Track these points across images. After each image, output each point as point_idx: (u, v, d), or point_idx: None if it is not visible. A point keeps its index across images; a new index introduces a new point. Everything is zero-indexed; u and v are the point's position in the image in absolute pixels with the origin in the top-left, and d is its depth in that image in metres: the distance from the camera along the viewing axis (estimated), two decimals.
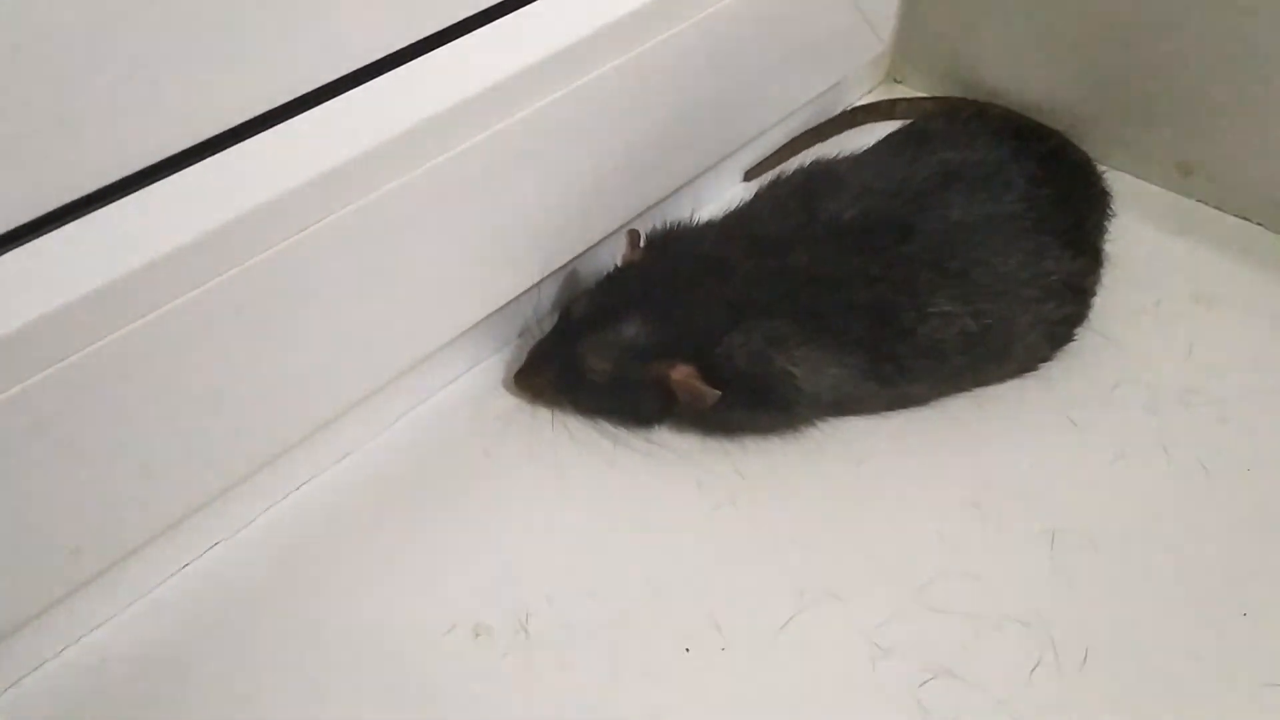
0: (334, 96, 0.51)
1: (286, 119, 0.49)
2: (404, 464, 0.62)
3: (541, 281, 0.65)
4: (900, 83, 0.89)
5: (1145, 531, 0.57)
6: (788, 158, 0.80)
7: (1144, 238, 0.73)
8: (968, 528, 0.57)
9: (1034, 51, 0.78)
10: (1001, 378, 0.63)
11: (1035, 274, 0.60)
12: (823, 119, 0.83)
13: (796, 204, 0.62)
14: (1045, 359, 0.64)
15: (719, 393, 0.56)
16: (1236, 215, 0.75)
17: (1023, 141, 0.64)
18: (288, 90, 0.49)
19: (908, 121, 0.71)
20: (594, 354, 0.58)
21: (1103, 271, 0.66)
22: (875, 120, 0.80)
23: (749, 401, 0.58)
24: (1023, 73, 0.79)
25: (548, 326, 0.65)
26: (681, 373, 0.57)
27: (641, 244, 0.63)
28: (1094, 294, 0.65)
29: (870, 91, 0.88)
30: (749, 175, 0.81)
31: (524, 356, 0.63)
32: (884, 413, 0.63)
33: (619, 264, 0.64)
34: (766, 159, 0.80)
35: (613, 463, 0.61)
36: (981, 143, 0.63)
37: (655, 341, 0.58)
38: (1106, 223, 0.67)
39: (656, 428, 0.62)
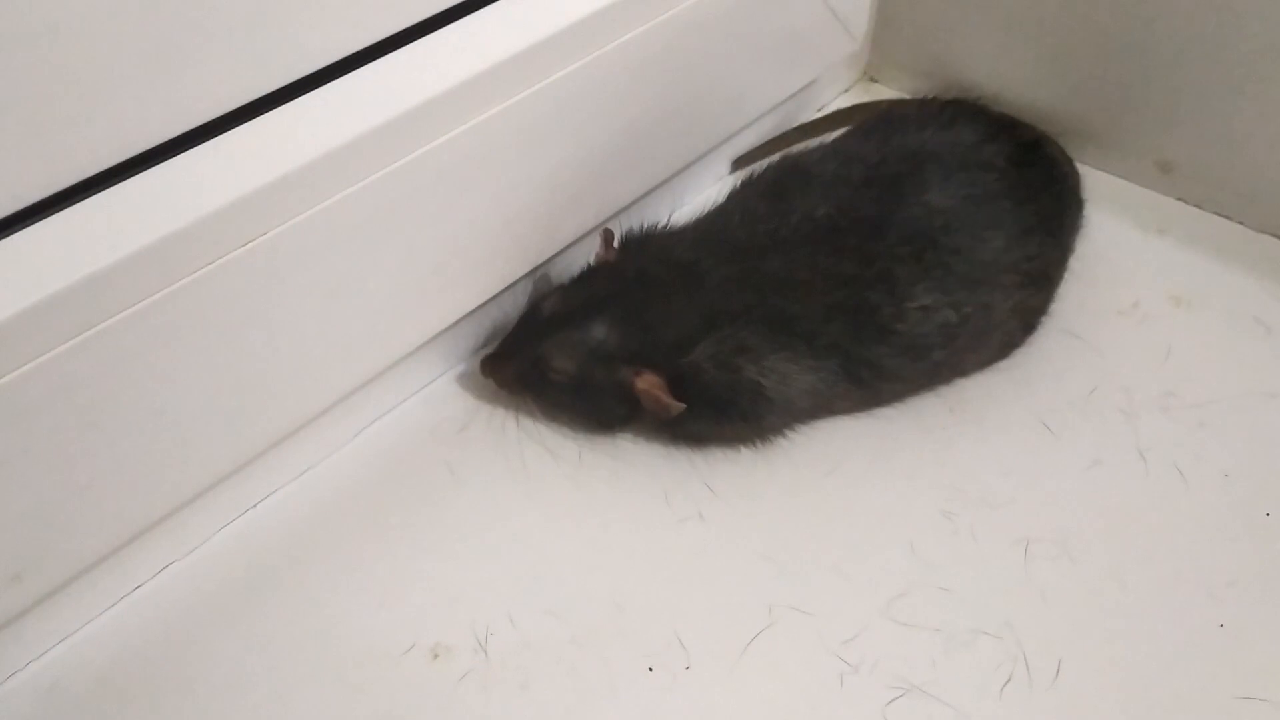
0: (289, 100, 0.49)
1: (237, 124, 0.48)
2: (364, 479, 0.60)
3: (511, 287, 0.64)
4: (876, 81, 0.87)
5: (1120, 540, 0.56)
6: (779, 149, 0.78)
7: (1122, 237, 0.72)
8: (940, 539, 0.56)
9: (1011, 49, 0.77)
10: (978, 367, 0.62)
11: (1018, 259, 0.58)
12: (798, 119, 0.81)
13: (768, 206, 0.61)
14: (1017, 346, 0.63)
15: (684, 406, 0.55)
16: (1216, 213, 0.73)
17: (1001, 126, 0.63)
18: (235, 98, 0.48)
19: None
20: (558, 354, 0.57)
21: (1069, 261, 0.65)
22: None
23: (716, 413, 0.57)
24: (1000, 71, 0.78)
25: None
26: (647, 381, 0.56)
27: (616, 244, 0.62)
28: (1058, 283, 0.64)
29: (847, 90, 0.87)
30: (736, 165, 0.79)
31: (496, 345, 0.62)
32: (856, 414, 0.62)
33: (592, 263, 0.63)
34: (755, 149, 0.79)
35: (578, 476, 0.60)
36: (958, 124, 0.62)
37: (622, 347, 0.57)
38: (1080, 221, 0.65)
39: (619, 433, 0.61)
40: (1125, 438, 0.60)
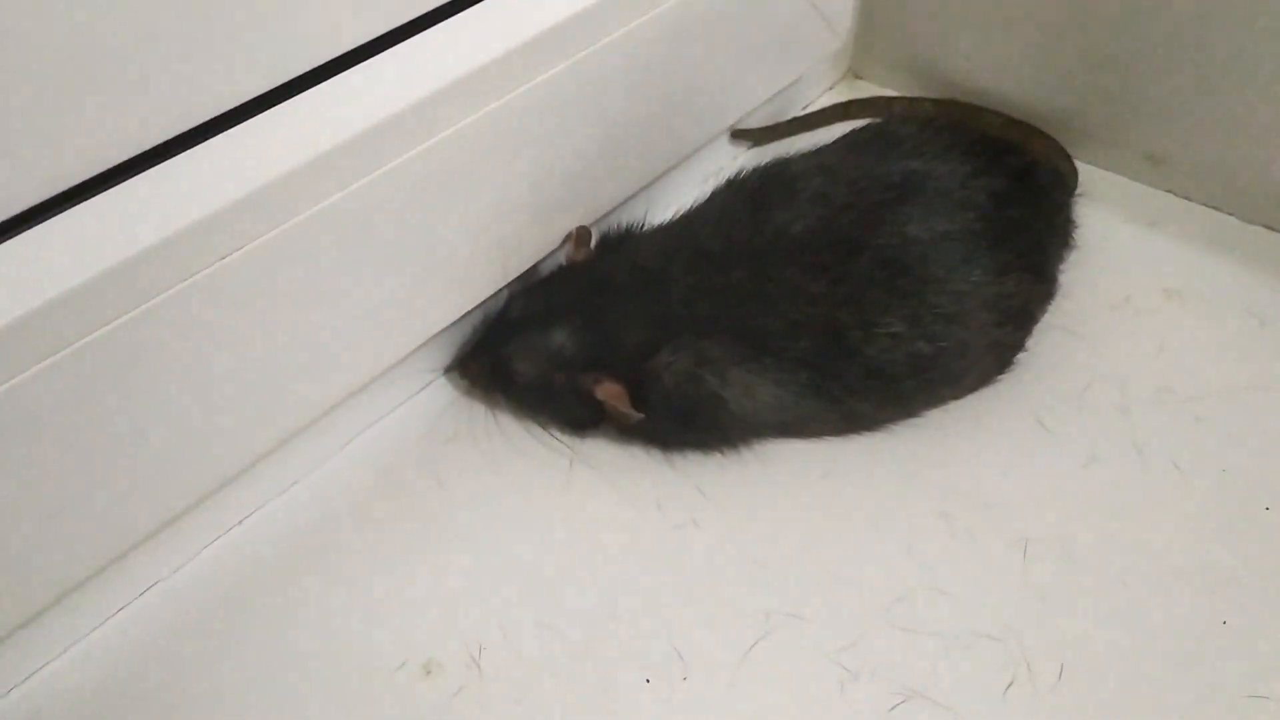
0: (257, 112, 0.48)
1: (205, 138, 0.47)
2: (351, 492, 0.59)
3: (498, 294, 0.63)
4: (862, 79, 0.87)
5: (1119, 538, 0.55)
6: (774, 138, 0.79)
7: (1113, 231, 0.71)
8: (937, 541, 0.55)
9: (997, 44, 0.76)
10: (952, 399, 0.61)
11: (995, 296, 0.57)
12: (783, 117, 0.80)
13: (745, 214, 0.59)
14: (990, 382, 0.61)
15: (641, 415, 0.55)
16: (1207, 205, 0.73)
17: (995, 155, 0.61)
18: (194, 115, 0.46)
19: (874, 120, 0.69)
20: (521, 358, 0.57)
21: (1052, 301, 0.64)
22: (869, 116, 0.77)
23: (678, 423, 0.57)
24: (986, 65, 0.77)
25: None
26: (607, 390, 0.55)
27: (592, 244, 0.62)
28: (1040, 319, 0.63)
29: (831, 88, 0.86)
30: (737, 135, 0.79)
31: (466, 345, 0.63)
32: (832, 436, 0.60)
33: (564, 262, 0.62)
34: (756, 129, 0.79)
35: (569, 484, 0.59)
36: (949, 153, 0.60)
37: (583, 353, 0.56)
38: (1067, 252, 0.65)
39: (592, 434, 0.61)
40: (1121, 434, 0.59)
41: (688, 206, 0.64)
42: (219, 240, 0.45)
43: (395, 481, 0.60)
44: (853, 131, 0.67)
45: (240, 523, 0.58)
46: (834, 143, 0.66)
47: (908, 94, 0.82)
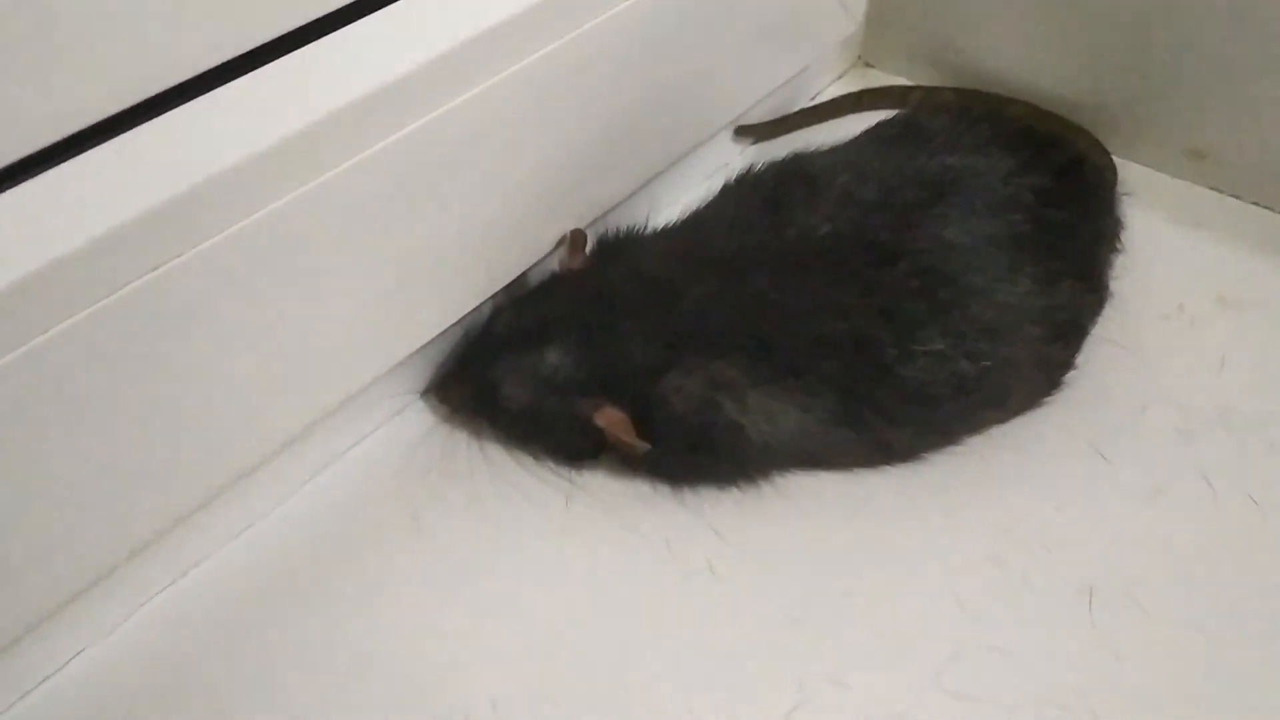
0: (199, 94, 0.40)
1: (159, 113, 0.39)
2: (313, 537, 0.52)
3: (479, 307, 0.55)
4: (873, 67, 0.80)
5: (1194, 582, 0.48)
6: (781, 133, 0.72)
7: (1157, 233, 0.65)
8: (990, 589, 0.48)
9: (1021, 30, 0.70)
10: (996, 423, 0.54)
11: (1045, 307, 0.51)
12: (789, 109, 0.74)
13: (762, 215, 0.53)
14: (1039, 404, 0.55)
15: (648, 446, 0.49)
16: (1255, 203, 0.67)
17: (1038, 149, 0.55)
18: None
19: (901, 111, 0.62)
20: (509, 380, 0.51)
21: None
22: (885, 107, 0.71)
23: (689, 454, 0.50)
24: (1009, 54, 0.71)
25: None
26: (608, 417, 0.49)
27: (588, 250, 0.55)
28: (1090, 331, 0.56)
29: (840, 78, 0.79)
30: (740, 132, 0.72)
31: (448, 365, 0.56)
32: (863, 468, 0.53)
33: (557, 270, 0.56)
34: (761, 124, 0.72)
35: (566, 525, 0.52)
36: (988, 148, 0.54)
37: (581, 375, 0.50)
38: (1115, 257, 0.58)
39: (592, 467, 0.54)
40: (1186, 462, 0.53)
41: (695, 207, 0.57)
42: (169, 235, 0.37)
43: (364, 523, 0.52)
44: (878, 125, 0.60)
45: (183, 576, 0.50)
46: (857, 137, 0.59)
47: (924, 83, 0.75)
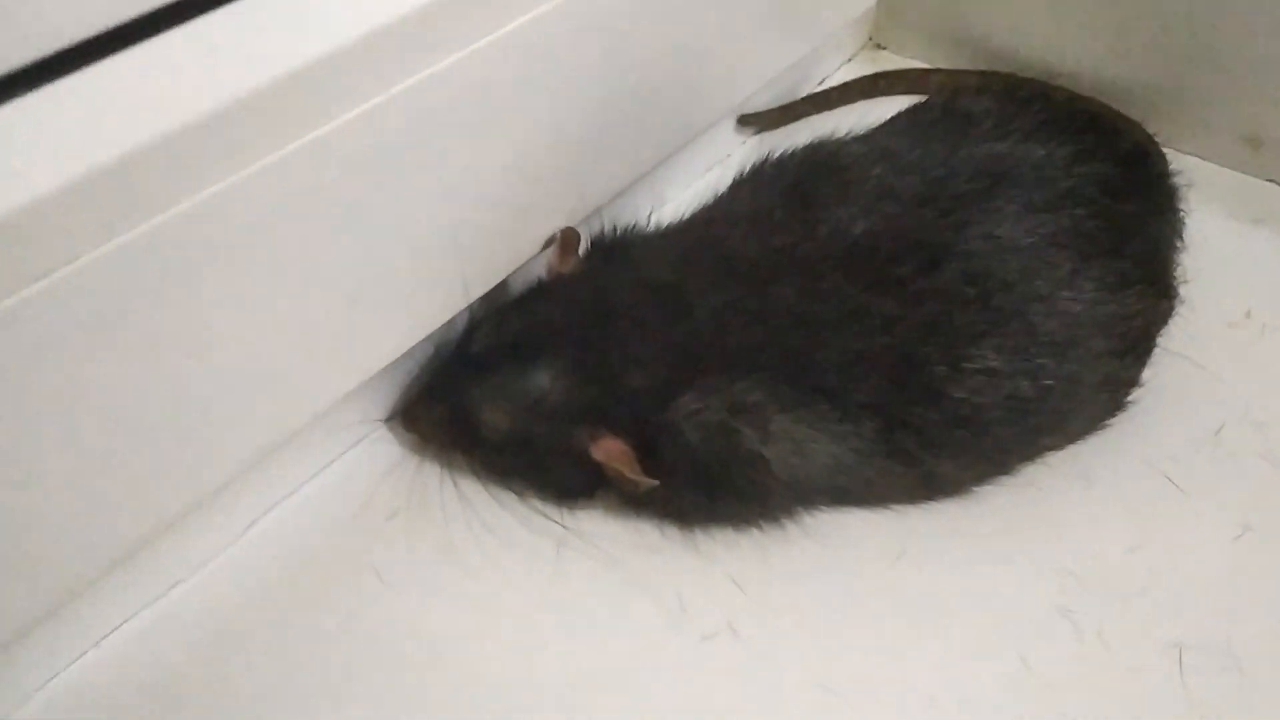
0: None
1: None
2: (256, 594, 0.44)
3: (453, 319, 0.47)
4: (884, 49, 0.73)
5: None
6: (787, 121, 0.65)
7: (1214, 230, 0.57)
8: (1061, 647, 0.41)
9: (1049, 6, 0.63)
10: (1051, 449, 0.47)
11: (1113, 316, 0.44)
12: (799, 94, 0.66)
13: (786, 212, 0.46)
14: (1102, 429, 0.48)
15: (655, 482, 0.42)
16: None
17: (1098, 135, 0.48)
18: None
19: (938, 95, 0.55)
20: (490, 407, 0.44)
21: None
22: (900, 92, 0.65)
23: (704, 491, 0.43)
24: (1037, 33, 0.64)
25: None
26: (607, 450, 0.42)
27: (580, 252, 0.48)
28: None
29: (850, 60, 0.72)
30: (743, 121, 0.65)
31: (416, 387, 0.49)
32: (904, 504, 0.46)
33: (543, 278, 0.48)
34: (765, 113, 0.65)
35: (557, 577, 0.44)
36: (1042, 133, 0.47)
37: (575, 400, 0.43)
38: (1180, 257, 0.51)
39: (586, 506, 0.46)
40: (1274, 491, 0.46)
41: (703, 203, 0.49)
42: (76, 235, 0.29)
43: (316, 579, 0.44)
44: (912, 108, 0.53)
45: (96, 645, 0.42)
46: (889, 122, 0.52)
47: (943, 66, 0.68)
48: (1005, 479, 0.46)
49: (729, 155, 0.65)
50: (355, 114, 0.36)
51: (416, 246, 0.42)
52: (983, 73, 0.66)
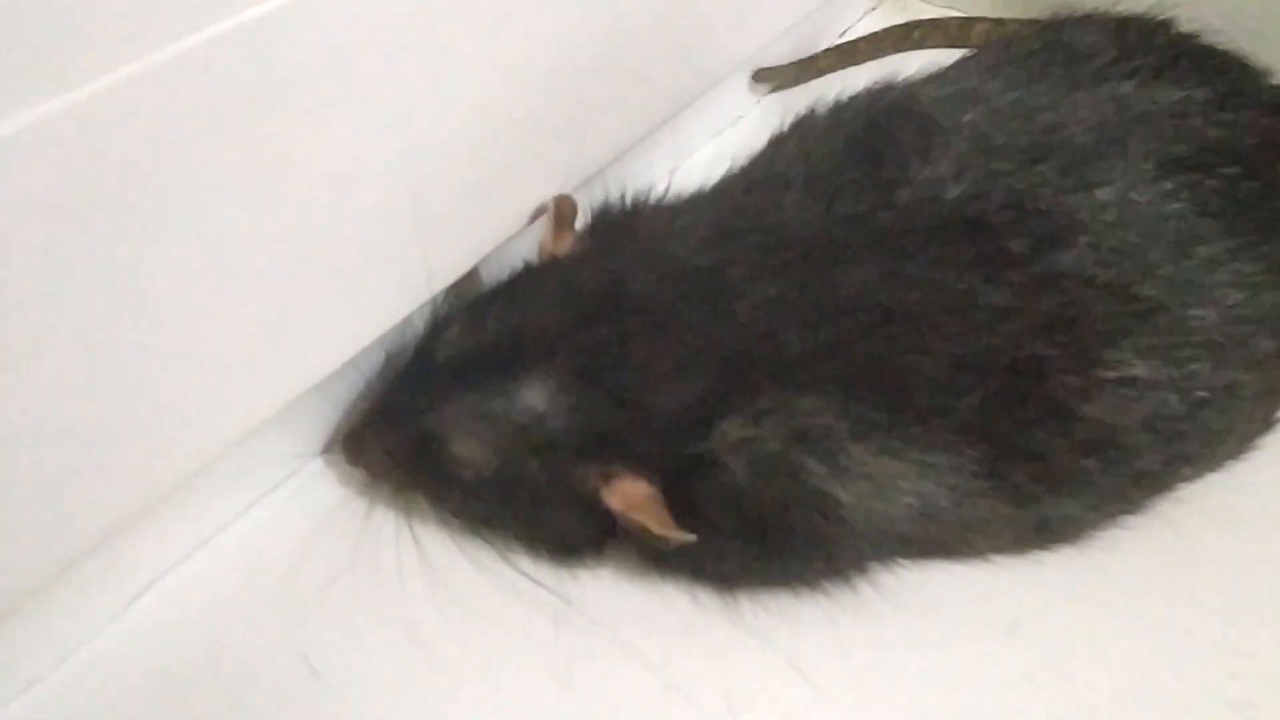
0: None
1: None
2: (148, 688, 0.32)
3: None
4: None
5: None
6: (807, 77, 0.56)
7: None
8: None
9: None
10: (1188, 480, 0.37)
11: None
12: (818, 46, 0.57)
13: (853, 171, 0.36)
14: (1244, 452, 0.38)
15: (690, 537, 0.32)
16: None
17: (1238, 77, 0.39)
18: None
19: (1033, 27, 0.45)
20: (464, 435, 0.34)
21: None
22: (938, 45, 0.56)
23: (757, 543, 0.33)
24: None
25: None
26: (626, 494, 0.32)
27: (581, 228, 0.38)
28: None
29: (874, 9, 0.63)
30: (759, 77, 0.55)
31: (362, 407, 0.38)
32: (1009, 555, 0.36)
33: (535, 260, 0.38)
34: (783, 67, 0.56)
35: (556, 667, 0.33)
36: (1174, 72, 0.37)
37: (580, 425, 0.33)
38: None
39: (588, 566, 0.35)
40: None
41: (737, 166, 0.39)
42: None
43: (226, 668, 0.33)
44: (1006, 43, 0.43)
45: None
46: (970, 60, 0.42)
47: (987, 15, 0.58)
48: (1132, 519, 0.36)
49: (741, 117, 0.55)
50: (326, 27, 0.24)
51: (361, 212, 0.30)
52: (1029, 22, 0.56)
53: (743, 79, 0.55)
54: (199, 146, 0.25)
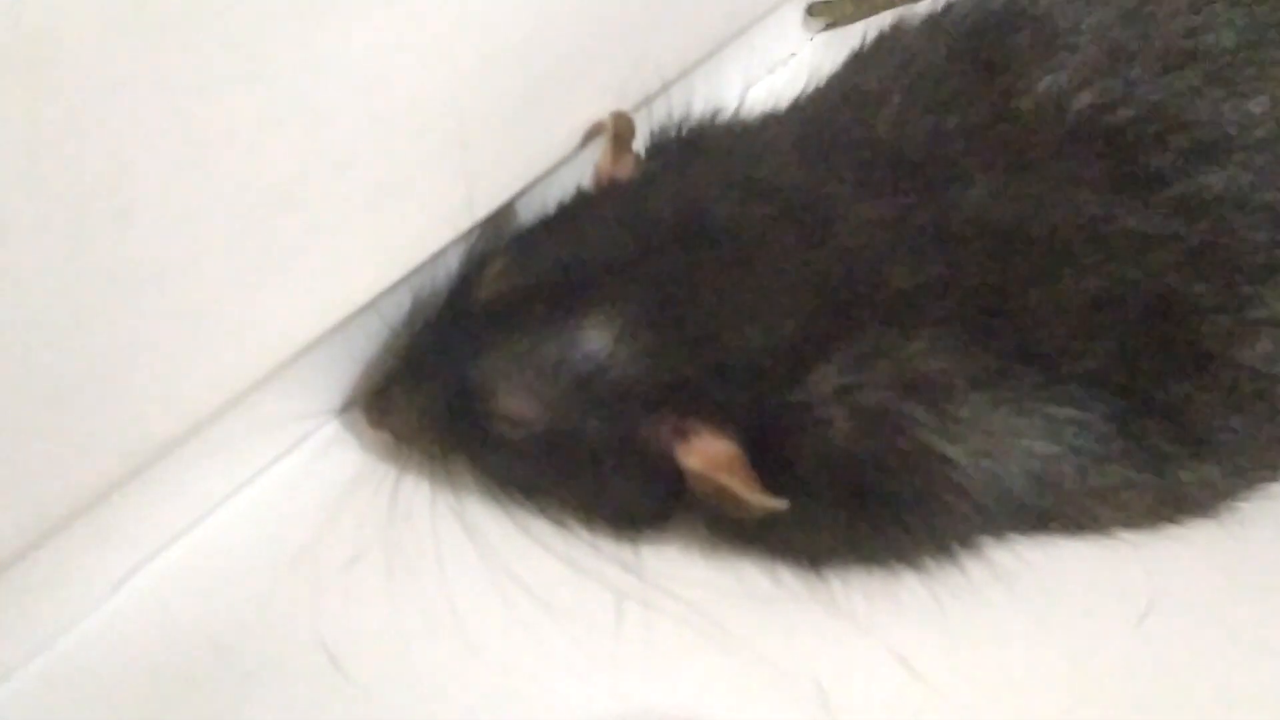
0: None
1: None
2: (146, 684, 0.28)
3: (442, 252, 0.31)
4: None
5: None
6: (866, 13, 0.50)
7: None
8: None
9: None
10: None
11: None
12: None
13: (962, 79, 0.31)
14: None
15: (781, 504, 0.27)
16: None
17: None
18: None
19: None
20: (511, 388, 0.29)
21: None
22: None
23: (853, 513, 0.29)
24: None
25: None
26: (705, 453, 0.28)
27: (639, 151, 0.34)
28: None
29: None
30: (814, 11, 0.50)
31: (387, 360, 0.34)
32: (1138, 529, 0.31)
33: (590, 187, 0.33)
34: (839, 2, 0.51)
35: (619, 651, 0.28)
36: None
37: (648, 374, 0.29)
38: None
39: (656, 539, 0.31)
40: None
41: (811, 87, 0.35)
42: None
43: (232, 657, 0.28)
44: None
45: None
46: None
47: None
48: (1272, 486, 0.31)
49: (793, 54, 0.51)
50: None
51: (391, 117, 0.26)
52: None
53: (796, 14, 0.50)
54: (201, 29, 0.21)
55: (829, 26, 0.53)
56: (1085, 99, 0.29)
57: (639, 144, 0.34)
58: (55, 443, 0.23)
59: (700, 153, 0.32)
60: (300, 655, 0.28)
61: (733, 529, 0.29)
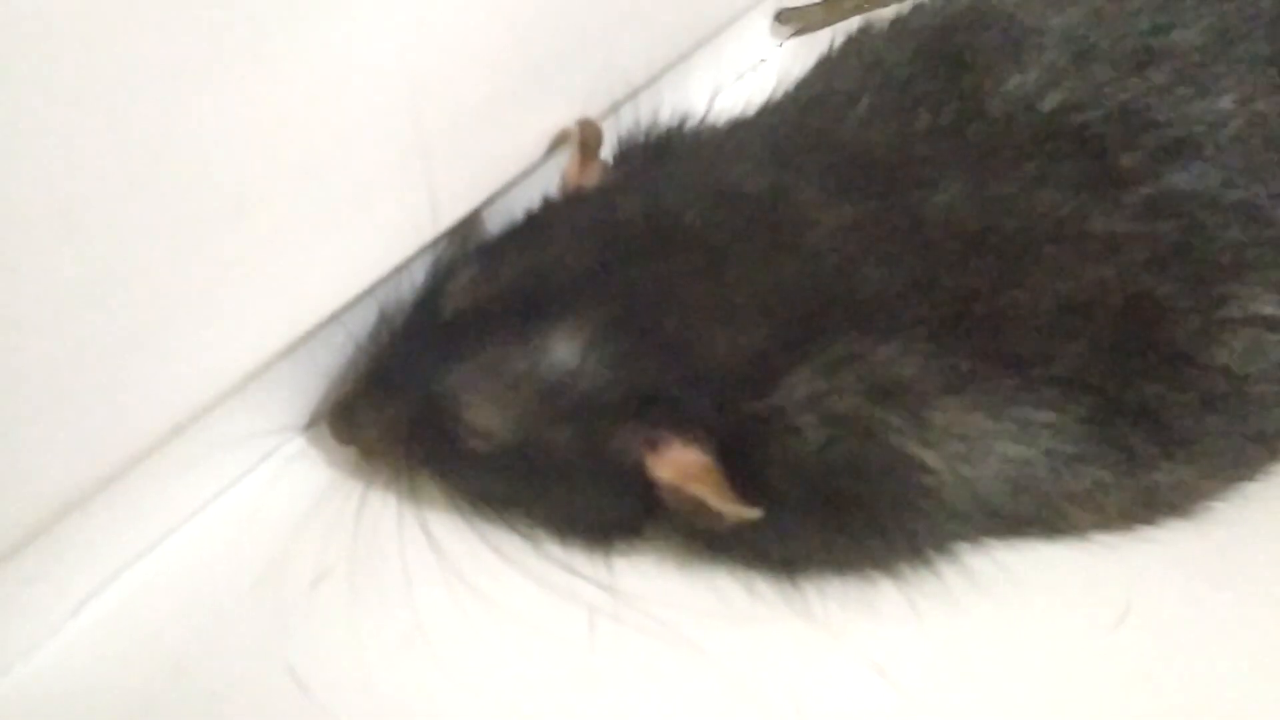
0: None
1: None
2: (106, 690, 0.27)
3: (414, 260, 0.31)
4: None
5: None
6: (836, 19, 0.49)
7: None
8: None
9: None
10: None
11: None
12: None
13: (930, 78, 0.31)
14: None
15: (755, 513, 0.27)
16: None
17: None
18: None
19: None
20: (479, 400, 0.29)
21: None
22: None
23: (830, 519, 0.29)
24: None
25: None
26: (677, 463, 0.28)
27: (606, 159, 0.33)
28: None
29: None
30: (783, 18, 0.50)
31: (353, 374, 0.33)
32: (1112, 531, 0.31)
33: (557, 196, 0.33)
34: (809, 7, 0.50)
35: (592, 666, 0.28)
36: None
37: (618, 383, 0.28)
38: None
39: (627, 553, 0.30)
40: None
41: (794, 83, 0.35)
42: None
43: (192, 685, 0.27)
44: None
45: None
46: None
47: None
48: (1254, 486, 0.31)
49: (762, 61, 0.51)
50: None
51: (353, 122, 0.25)
52: None
53: (764, 20, 0.50)
54: (153, 26, 0.20)
55: (798, 32, 0.53)
56: (1054, 99, 0.30)
57: (606, 152, 0.33)
58: (2, 464, 0.23)
59: (668, 160, 0.32)
60: (265, 676, 0.27)
61: (706, 540, 0.29)
